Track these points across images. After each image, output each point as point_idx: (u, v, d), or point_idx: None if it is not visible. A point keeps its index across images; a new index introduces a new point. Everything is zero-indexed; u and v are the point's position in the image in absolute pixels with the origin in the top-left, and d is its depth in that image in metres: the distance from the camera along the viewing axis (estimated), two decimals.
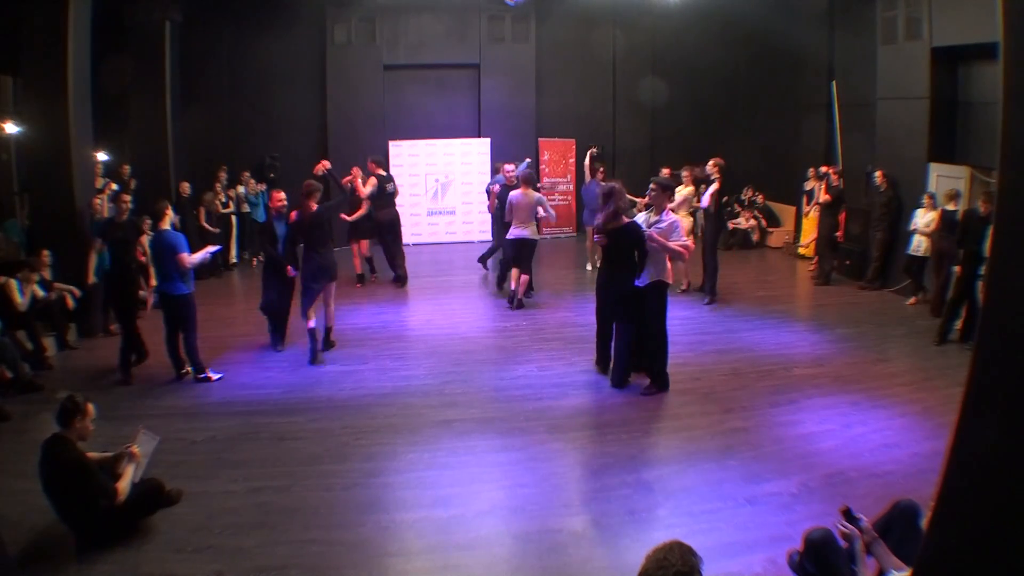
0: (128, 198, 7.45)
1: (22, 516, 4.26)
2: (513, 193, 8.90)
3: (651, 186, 6.47)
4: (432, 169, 13.55)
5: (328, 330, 7.49)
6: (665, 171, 11.24)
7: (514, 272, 9.02)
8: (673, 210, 8.68)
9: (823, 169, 11.03)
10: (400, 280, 10.29)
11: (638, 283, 6.23)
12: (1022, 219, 2.15)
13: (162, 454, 4.68)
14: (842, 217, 10.72)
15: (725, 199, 12.67)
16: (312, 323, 7.13)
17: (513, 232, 8.89)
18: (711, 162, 9.34)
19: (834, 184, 10.44)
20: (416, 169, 13.50)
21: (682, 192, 9.43)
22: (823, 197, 10.54)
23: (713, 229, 9.34)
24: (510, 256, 9.15)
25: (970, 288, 7.25)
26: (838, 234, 10.67)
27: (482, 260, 10.84)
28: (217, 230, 11.07)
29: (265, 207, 12.29)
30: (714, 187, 9.04)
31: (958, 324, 7.59)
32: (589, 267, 10.82)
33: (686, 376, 6.64)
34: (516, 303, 8.92)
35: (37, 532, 4.18)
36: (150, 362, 7.07)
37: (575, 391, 6.40)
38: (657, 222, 6.24)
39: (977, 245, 7.26)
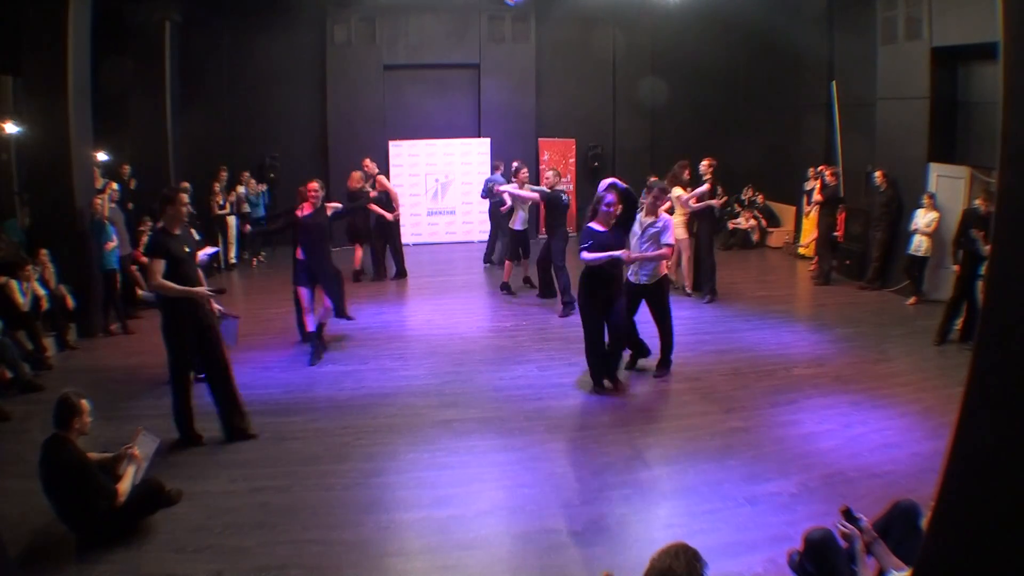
0: (186, 199, 5.45)
1: (22, 516, 4.26)
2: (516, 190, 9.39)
3: (644, 191, 6.56)
4: (432, 169, 13.55)
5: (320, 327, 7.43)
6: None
7: (509, 264, 9.84)
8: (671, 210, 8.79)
9: (819, 169, 10.98)
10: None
11: (643, 280, 6.43)
12: (1022, 219, 2.15)
13: (162, 454, 4.69)
14: (842, 217, 10.72)
15: (724, 200, 12.68)
16: (311, 325, 7.19)
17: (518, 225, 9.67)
18: (704, 162, 9.36)
19: (829, 184, 10.40)
20: (416, 169, 13.50)
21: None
22: (816, 196, 10.53)
23: (708, 228, 9.35)
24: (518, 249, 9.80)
25: (970, 288, 7.26)
26: (838, 234, 10.68)
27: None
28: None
29: (265, 207, 12.31)
30: (701, 189, 9.11)
31: (958, 324, 7.60)
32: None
33: (686, 376, 6.64)
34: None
35: (37, 532, 4.17)
36: (150, 362, 7.03)
37: (575, 391, 6.40)
38: (651, 224, 6.33)
39: (976, 244, 7.27)
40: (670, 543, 2.33)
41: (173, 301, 5.11)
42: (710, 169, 9.25)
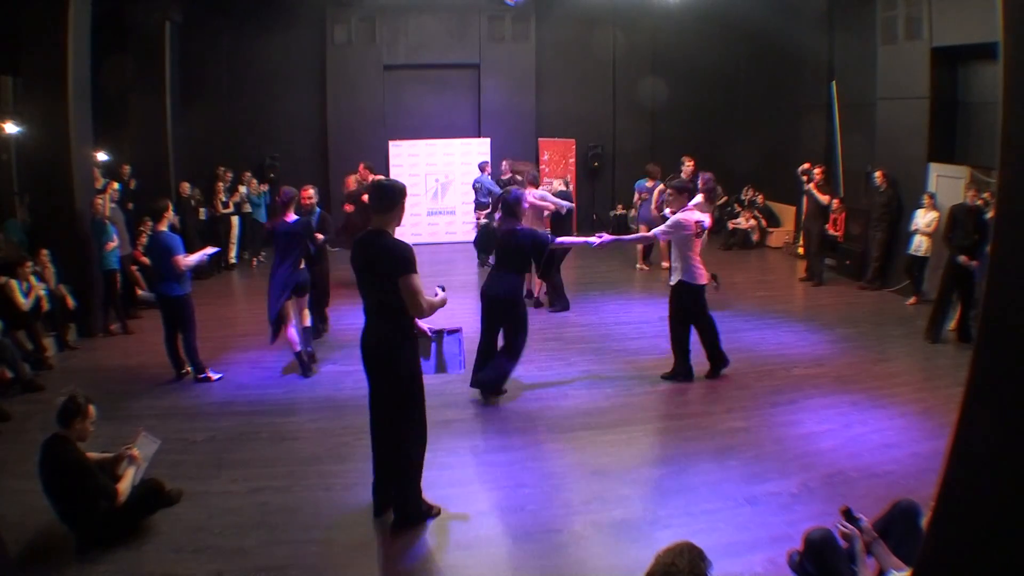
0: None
1: (22, 516, 4.26)
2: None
3: (668, 190, 6.73)
4: (432, 169, 13.56)
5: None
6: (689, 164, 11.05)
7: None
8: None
9: (804, 165, 10.65)
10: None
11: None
12: (1022, 219, 2.15)
13: (162, 454, 4.67)
14: (842, 217, 10.72)
15: (724, 199, 12.70)
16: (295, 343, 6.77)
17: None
18: (689, 165, 9.52)
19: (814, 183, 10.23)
20: (416, 169, 13.50)
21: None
22: (820, 195, 10.25)
23: None
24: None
25: (963, 283, 7.30)
26: (837, 234, 10.67)
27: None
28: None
29: (267, 207, 12.32)
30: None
31: (952, 323, 7.64)
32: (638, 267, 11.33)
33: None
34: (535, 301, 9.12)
35: (37, 532, 4.17)
36: (150, 362, 7.06)
37: (575, 391, 6.40)
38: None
39: (967, 239, 7.30)
40: (676, 541, 2.31)
41: (407, 329, 3.99)
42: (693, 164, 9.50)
